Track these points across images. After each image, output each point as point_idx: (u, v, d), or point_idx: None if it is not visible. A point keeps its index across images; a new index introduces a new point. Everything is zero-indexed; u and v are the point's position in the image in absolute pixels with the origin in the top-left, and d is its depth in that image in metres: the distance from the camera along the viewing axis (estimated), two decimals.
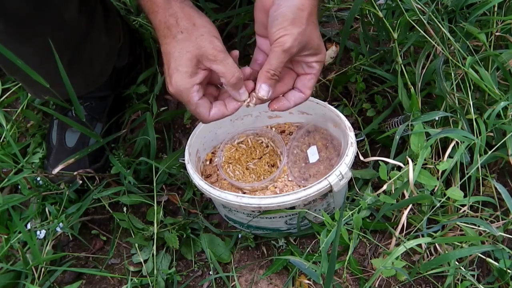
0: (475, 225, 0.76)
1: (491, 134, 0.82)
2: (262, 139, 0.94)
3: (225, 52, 0.64)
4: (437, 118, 0.83)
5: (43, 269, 0.87)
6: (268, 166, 0.90)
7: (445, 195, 0.74)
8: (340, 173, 0.75)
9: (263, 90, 0.67)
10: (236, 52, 0.68)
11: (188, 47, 0.62)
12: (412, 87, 0.87)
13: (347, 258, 0.79)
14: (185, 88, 0.64)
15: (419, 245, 0.80)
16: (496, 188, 0.77)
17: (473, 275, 0.77)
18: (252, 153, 0.92)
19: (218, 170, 0.90)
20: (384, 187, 0.78)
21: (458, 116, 0.83)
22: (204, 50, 0.62)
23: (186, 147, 0.85)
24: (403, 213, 0.79)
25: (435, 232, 0.79)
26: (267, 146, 0.93)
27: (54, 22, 0.80)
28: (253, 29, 1.03)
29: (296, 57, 0.66)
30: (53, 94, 0.78)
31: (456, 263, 0.76)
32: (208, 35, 0.62)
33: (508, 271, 0.72)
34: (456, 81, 0.85)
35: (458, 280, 0.76)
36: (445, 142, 0.85)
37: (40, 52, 0.80)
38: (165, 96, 1.13)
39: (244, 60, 1.10)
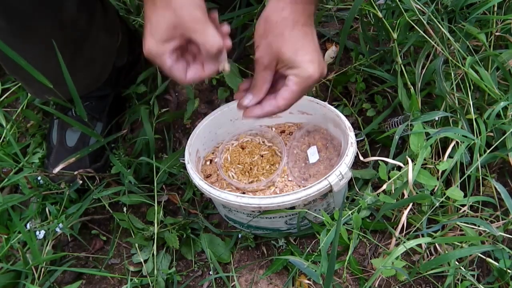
0: (475, 225, 0.76)
1: (491, 134, 0.82)
2: (262, 139, 0.94)
3: (205, 22, 0.62)
4: (437, 118, 0.83)
5: (43, 269, 0.87)
6: (268, 166, 0.90)
7: (444, 195, 0.74)
8: (340, 173, 0.75)
9: (246, 98, 0.70)
10: (215, 14, 0.66)
11: (165, 16, 0.61)
12: (412, 87, 0.87)
13: (347, 258, 0.79)
14: (157, 54, 0.64)
15: (419, 245, 0.80)
16: (496, 188, 0.77)
17: (473, 275, 0.77)
18: (252, 154, 0.92)
19: (218, 170, 0.90)
20: (384, 187, 0.78)
21: (458, 116, 0.83)
22: (182, 21, 0.61)
23: (186, 147, 0.85)
24: (403, 213, 0.79)
25: (435, 232, 0.79)
26: (267, 147, 0.93)
27: (54, 21, 0.81)
28: (252, 30, 1.03)
29: (278, 69, 0.68)
30: (54, 93, 0.78)
31: (456, 263, 0.76)
32: (189, 5, 0.60)
33: (508, 271, 0.72)
34: (456, 81, 0.85)
35: (458, 280, 0.76)
36: (445, 142, 0.85)
37: (40, 52, 0.81)
38: (165, 96, 1.13)
39: (244, 60, 1.10)
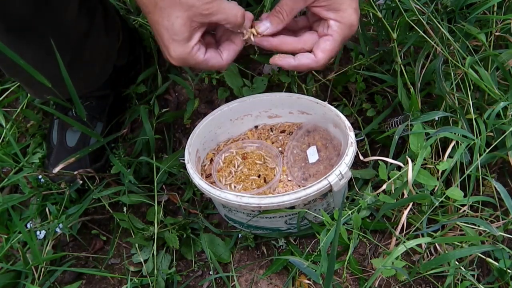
0: (475, 225, 0.76)
1: (491, 134, 0.82)
2: (264, 154, 0.92)
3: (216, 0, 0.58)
4: (436, 118, 0.83)
5: (43, 269, 0.87)
6: (262, 181, 0.89)
7: (444, 194, 0.74)
8: (340, 173, 0.75)
9: (262, 25, 0.64)
10: None
11: (176, 12, 0.57)
12: (412, 87, 0.87)
13: (347, 258, 0.79)
14: (186, 54, 0.60)
15: (419, 245, 0.80)
16: (496, 188, 0.77)
17: (473, 275, 0.77)
18: (251, 167, 0.91)
19: (213, 172, 0.90)
20: (384, 186, 0.78)
21: (458, 116, 0.83)
22: (195, 9, 0.57)
23: (186, 147, 0.85)
24: (403, 213, 0.79)
25: (435, 231, 0.79)
26: (268, 167, 0.91)
27: (54, 22, 0.81)
28: None
29: (312, 7, 0.61)
30: (54, 93, 0.78)
31: (456, 263, 0.76)
32: None
33: (508, 271, 0.72)
34: (456, 81, 0.85)
35: (458, 280, 0.76)
36: (445, 142, 0.85)
37: (40, 52, 0.81)
38: (165, 96, 1.13)
39: (244, 60, 1.10)
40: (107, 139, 0.92)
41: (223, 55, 0.65)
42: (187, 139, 0.87)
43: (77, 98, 0.78)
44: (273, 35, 0.65)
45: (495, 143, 0.77)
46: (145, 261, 0.90)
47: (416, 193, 0.77)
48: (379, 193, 0.79)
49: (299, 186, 0.87)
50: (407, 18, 0.83)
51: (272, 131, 0.97)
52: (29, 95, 1.12)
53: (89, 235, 0.97)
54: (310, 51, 0.65)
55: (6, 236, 0.89)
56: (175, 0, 0.57)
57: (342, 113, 0.84)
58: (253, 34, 0.64)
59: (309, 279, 0.85)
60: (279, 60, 0.66)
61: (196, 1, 0.57)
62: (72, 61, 0.86)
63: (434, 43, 0.84)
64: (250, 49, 1.12)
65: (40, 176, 0.94)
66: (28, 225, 0.91)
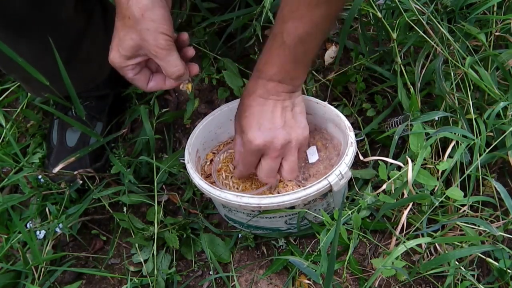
0: (475, 225, 0.76)
1: (491, 134, 0.82)
2: None
3: (168, 49, 0.64)
4: (436, 118, 0.83)
5: (43, 269, 0.87)
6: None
7: (444, 194, 0.74)
8: (340, 173, 0.75)
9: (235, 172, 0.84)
10: (185, 36, 0.69)
11: (132, 35, 0.63)
12: (412, 87, 0.87)
13: (347, 258, 0.79)
14: (120, 66, 0.67)
15: (419, 245, 0.80)
16: (496, 188, 0.77)
17: (473, 275, 0.77)
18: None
19: (214, 172, 0.90)
20: (384, 186, 0.78)
21: (458, 116, 0.83)
22: (147, 45, 0.63)
23: (186, 147, 0.85)
24: (403, 213, 0.79)
25: (435, 231, 0.79)
26: None
27: (51, 20, 0.81)
28: (251, 32, 1.03)
29: None
30: (52, 91, 0.78)
31: (456, 263, 0.76)
32: (154, 31, 0.62)
33: (508, 271, 0.72)
34: (456, 81, 0.85)
35: (458, 280, 0.76)
36: (445, 142, 0.85)
37: (37, 50, 0.81)
38: (165, 96, 1.13)
39: (244, 60, 1.10)
40: (107, 139, 0.91)
41: (150, 84, 0.71)
42: (187, 139, 0.87)
43: (75, 95, 0.78)
44: None
45: (495, 143, 0.77)
46: (145, 261, 0.90)
47: (416, 193, 0.77)
48: (379, 193, 0.79)
49: (299, 186, 0.87)
50: (407, 18, 0.83)
51: None
52: (29, 95, 1.12)
53: (89, 235, 0.97)
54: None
55: (6, 236, 0.89)
56: (135, 27, 0.62)
57: (342, 113, 0.84)
58: (184, 89, 0.74)
59: (309, 279, 0.85)
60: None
61: (151, 40, 0.62)
62: (68, 58, 0.86)
63: (434, 43, 0.84)
64: (250, 49, 1.12)
65: (40, 176, 0.94)
66: (28, 225, 0.91)
